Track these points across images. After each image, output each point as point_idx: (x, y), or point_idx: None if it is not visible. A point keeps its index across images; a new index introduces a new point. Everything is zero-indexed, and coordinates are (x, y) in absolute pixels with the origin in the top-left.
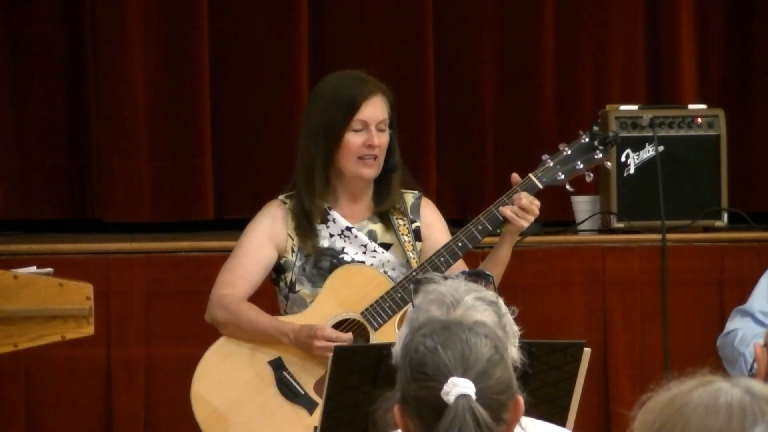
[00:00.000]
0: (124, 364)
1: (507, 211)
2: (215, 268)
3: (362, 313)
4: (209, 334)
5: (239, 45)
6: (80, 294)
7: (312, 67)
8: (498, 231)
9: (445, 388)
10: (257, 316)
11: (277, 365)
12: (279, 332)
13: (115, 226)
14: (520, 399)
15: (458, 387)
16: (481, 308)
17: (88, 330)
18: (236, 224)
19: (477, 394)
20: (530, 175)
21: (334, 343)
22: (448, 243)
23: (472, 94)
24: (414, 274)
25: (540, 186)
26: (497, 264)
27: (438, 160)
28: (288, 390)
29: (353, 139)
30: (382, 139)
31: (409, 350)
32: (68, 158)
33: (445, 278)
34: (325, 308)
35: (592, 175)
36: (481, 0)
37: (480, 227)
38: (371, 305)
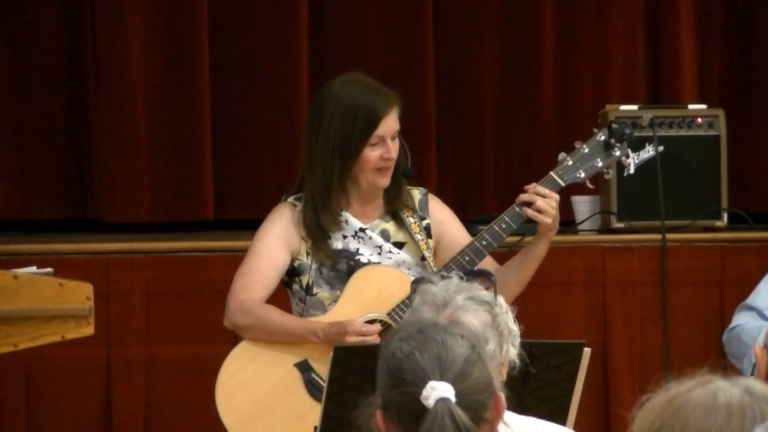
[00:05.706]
0: (124, 364)
1: (528, 210)
2: (215, 268)
3: (389, 313)
4: (209, 334)
5: (239, 45)
6: (80, 294)
7: (312, 66)
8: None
9: (424, 392)
10: (282, 317)
11: (304, 367)
12: (307, 332)
13: (115, 226)
14: (501, 396)
15: (437, 391)
16: (471, 308)
17: (88, 330)
18: (236, 224)
19: (456, 396)
20: (551, 173)
21: (367, 338)
22: (472, 242)
23: (472, 94)
24: (440, 272)
25: (562, 184)
26: (533, 259)
27: (438, 160)
28: (317, 391)
29: (372, 154)
30: (396, 148)
31: (385, 356)
32: (68, 158)
33: (442, 278)
34: (348, 309)
35: (611, 172)
36: (481, 0)
37: (503, 225)
38: (398, 305)
